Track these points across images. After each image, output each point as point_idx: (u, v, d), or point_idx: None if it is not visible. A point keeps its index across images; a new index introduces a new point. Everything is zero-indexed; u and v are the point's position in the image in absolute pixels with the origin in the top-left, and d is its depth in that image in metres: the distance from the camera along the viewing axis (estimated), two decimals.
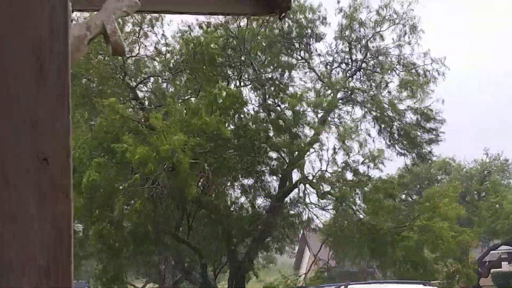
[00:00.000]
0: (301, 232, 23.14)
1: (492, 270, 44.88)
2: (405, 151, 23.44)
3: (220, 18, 20.66)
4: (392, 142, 23.32)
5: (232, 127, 20.35)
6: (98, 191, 17.75)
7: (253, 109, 22.50)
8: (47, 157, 1.42)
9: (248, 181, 22.04)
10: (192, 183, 17.37)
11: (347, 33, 23.05)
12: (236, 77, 22.82)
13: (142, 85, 22.24)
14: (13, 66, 1.45)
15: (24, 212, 1.37)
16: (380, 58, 23.07)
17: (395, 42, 22.97)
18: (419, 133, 23.28)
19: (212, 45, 20.45)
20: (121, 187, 18.72)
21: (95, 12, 2.02)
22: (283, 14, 2.39)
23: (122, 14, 2.05)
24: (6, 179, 1.38)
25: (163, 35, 21.43)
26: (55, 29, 1.50)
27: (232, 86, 21.32)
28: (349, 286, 13.97)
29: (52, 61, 1.49)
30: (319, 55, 23.44)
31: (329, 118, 22.45)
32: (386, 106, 22.72)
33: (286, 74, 23.04)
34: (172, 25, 21.41)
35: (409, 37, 22.78)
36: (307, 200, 21.87)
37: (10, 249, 1.34)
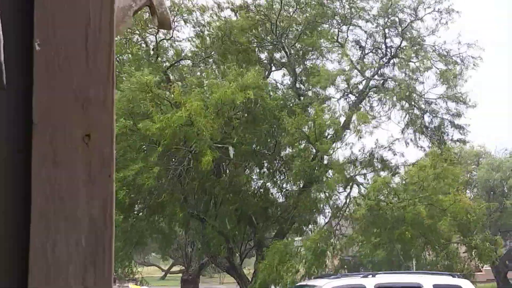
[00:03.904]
0: (329, 217, 23.03)
1: None
2: (429, 143, 23.20)
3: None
4: (419, 135, 23.10)
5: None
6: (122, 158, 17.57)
7: (283, 92, 22.44)
8: (93, 136, 1.38)
9: (275, 165, 21.99)
10: (208, 153, 17.18)
11: (382, 20, 22.81)
12: (267, 60, 22.73)
13: (173, 68, 22.27)
14: (63, 43, 1.40)
15: (70, 192, 1.33)
16: (416, 45, 22.78)
17: (431, 29, 22.69)
18: (447, 129, 22.98)
19: (241, 28, 20.33)
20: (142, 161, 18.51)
21: None
22: None
23: None
24: (55, 157, 1.34)
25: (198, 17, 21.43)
26: (103, 6, 1.45)
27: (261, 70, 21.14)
28: (376, 276, 13.87)
29: (98, 35, 1.44)
30: (355, 41, 23.23)
31: (361, 106, 22.30)
32: (417, 97, 22.49)
33: (318, 57, 22.90)
34: (208, 9, 21.29)
35: (446, 22, 22.44)
36: (334, 186, 21.77)
37: (54, 230, 1.30)
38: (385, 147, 21.81)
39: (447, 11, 22.28)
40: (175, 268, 55.37)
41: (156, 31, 19.91)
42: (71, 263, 1.31)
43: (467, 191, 26.24)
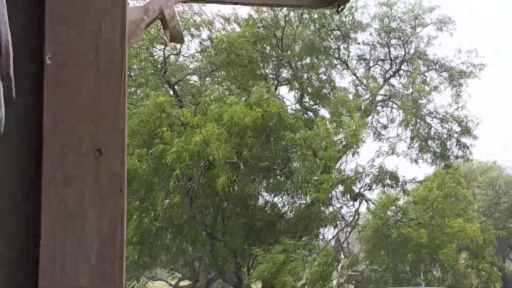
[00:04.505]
0: (336, 232, 22.91)
1: None
2: (434, 159, 23.11)
3: (258, 13, 20.58)
4: (423, 149, 23.03)
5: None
6: (137, 181, 17.79)
7: (290, 108, 22.39)
8: (104, 151, 1.35)
9: (282, 180, 21.90)
10: (222, 174, 17.28)
11: (384, 33, 22.85)
12: (273, 76, 22.72)
13: (181, 83, 22.27)
14: (74, 58, 1.38)
15: (79, 208, 1.30)
16: (418, 58, 22.79)
17: (431, 40, 22.74)
18: (451, 144, 22.90)
19: (245, 43, 20.33)
20: (157, 182, 18.82)
21: None
22: (342, 7, 2.28)
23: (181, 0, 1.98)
24: (65, 172, 1.31)
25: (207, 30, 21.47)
26: (115, 20, 1.43)
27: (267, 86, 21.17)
28: None
29: (109, 48, 1.42)
30: (358, 57, 23.25)
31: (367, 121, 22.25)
32: (423, 112, 22.44)
33: (324, 72, 22.89)
34: (216, 22, 21.36)
35: (450, 31, 22.45)
36: (342, 201, 21.68)
37: (63, 246, 1.27)
38: (389, 154, 21.65)
39: (443, 22, 22.33)
40: (183, 283, 55.11)
41: (164, 45, 19.97)
42: (81, 280, 1.28)
43: (473, 212, 25.94)
